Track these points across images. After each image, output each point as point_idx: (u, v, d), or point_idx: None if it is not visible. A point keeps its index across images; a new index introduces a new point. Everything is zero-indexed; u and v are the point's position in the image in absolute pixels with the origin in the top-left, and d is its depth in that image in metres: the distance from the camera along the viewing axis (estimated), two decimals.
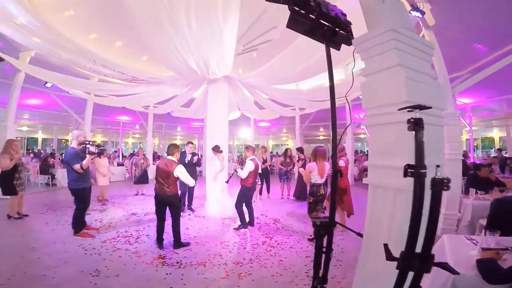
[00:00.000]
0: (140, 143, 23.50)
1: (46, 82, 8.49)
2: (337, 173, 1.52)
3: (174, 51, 4.67)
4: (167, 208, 4.14)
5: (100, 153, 4.55)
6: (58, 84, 8.07)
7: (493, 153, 13.68)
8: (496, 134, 15.15)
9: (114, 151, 17.72)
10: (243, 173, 5.01)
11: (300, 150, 8.07)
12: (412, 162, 1.21)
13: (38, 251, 3.81)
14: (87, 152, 4.30)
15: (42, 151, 16.60)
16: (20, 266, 3.29)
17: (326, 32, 1.66)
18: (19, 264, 3.36)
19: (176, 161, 4.17)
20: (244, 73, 7.41)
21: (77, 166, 4.26)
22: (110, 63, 5.18)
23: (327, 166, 4.50)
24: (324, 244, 1.59)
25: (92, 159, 4.44)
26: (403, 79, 1.61)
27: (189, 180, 4.19)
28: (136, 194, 8.52)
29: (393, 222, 1.58)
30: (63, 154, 5.10)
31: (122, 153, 17.92)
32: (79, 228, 4.49)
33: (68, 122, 14.32)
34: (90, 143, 4.43)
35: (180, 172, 4.06)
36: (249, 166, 5.04)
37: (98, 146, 4.49)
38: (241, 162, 5.38)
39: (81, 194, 4.50)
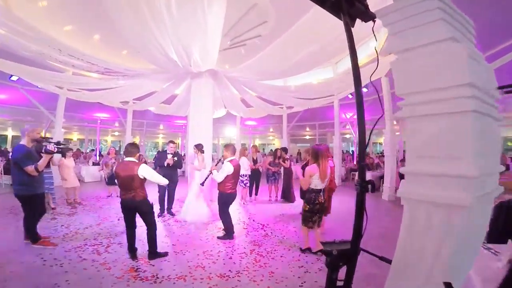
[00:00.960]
0: (119, 141, 22.47)
1: (12, 75, 7.68)
2: (367, 184, 1.13)
3: (151, 38, 4.16)
4: (136, 214, 3.64)
5: (60, 152, 3.91)
6: (26, 78, 7.30)
7: None
8: None
9: (91, 150, 16.75)
10: (218, 176, 4.37)
11: (284, 150, 7.78)
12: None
13: None
14: (43, 151, 3.62)
15: (10, 150, 15.39)
16: None
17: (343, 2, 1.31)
18: None
19: (137, 161, 3.63)
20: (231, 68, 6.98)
21: (30, 168, 3.57)
22: (78, 53, 4.58)
23: (330, 167, 3.91)
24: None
25: (50, 159, 3.83)
26: (464, 54, 1.18)
27: (159, 180, 3.68)
28: (109, 196, 7.88)
29: (442, 248, 1.20)
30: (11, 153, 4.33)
31: (100, 152, 16.93)
32: (37, 236, 3.88)
33: (40, 118, 13.29)
34: (48, 140, 3.76)
35: (146, 172, 3.50)
36: (226, 168, 4.35)
37: (58, 144, 3.78)
38: (218, 161, 4.73)
39: (32, 202, 3.78)
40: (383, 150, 19.33)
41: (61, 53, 4.49)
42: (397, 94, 1.45)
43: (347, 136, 18.81)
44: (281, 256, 3.85)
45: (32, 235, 3.86)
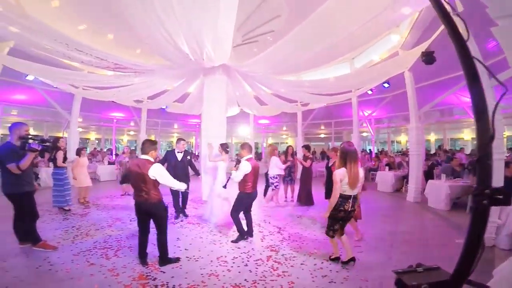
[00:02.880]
0: (135, 140, 22.73)
1: (26, 75, 7.74)
2: (496, 194, 0.80)
3: (160, 28, 3.93)
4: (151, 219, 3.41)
5: (45, 150, 3.72)
6: (39, 76, 7.34)
7: None
8: None
9: (109, 149, 16.96)
10: (236, 175, 4.20)
11: (306, 147, 7.26)
12: None
13: None
14: (26, 148, 3.44)
15: None
16: None
17: None
18: None
19: (152, 160, 3.38)
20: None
21: (12, 166, 3.41)
22: (85, 47, 4.42)
23: (361, 172, 3.40)
24: None
25: (34, 157, 3.65)
26: None
27: (171, 183, 3.39)
28: (123, 195, 7.88)
29: None
30: None
31: (116, 151, 17.14)
32: (35, 238, 3.72)
33: (58, 118, 13.55)
34: (33, 137, 3.56)
35: (158, 173, 3.23)
36: (244, 167, 4.18)
37: (42, 141, 3.60)
38: (238, 162, 4.54)
39: (21, 201, 3.62)
40: (402, 149, 18.62)
41: (69, 48, 4.35)
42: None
43: (364, 134, 18.14)
44: (302, 264, 3.53)
45: (32, 237, 3.72)
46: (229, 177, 4.82)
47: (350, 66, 10.33)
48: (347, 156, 3.30)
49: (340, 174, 3.29)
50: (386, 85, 8.80)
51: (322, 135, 21.05)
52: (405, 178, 9.18)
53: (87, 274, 3.04)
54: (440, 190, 6.63)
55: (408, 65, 6.65)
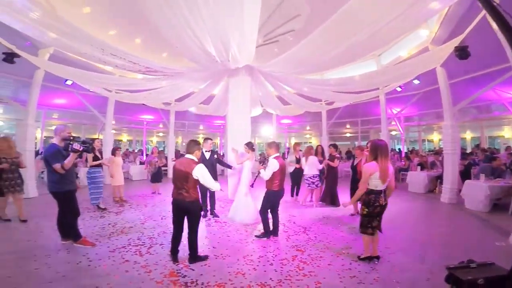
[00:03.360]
0: (163, 141, 23.64)
1: (66, 80, 8.33)
2: None
3: (188, 32, 4.10)
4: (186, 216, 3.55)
5: (86, 151, 3.96)
6: (76, 81, 7.88)
7: None
8: None
9: (139, 150, 17.84)
10: (265, 173, 4.34)
11: (334, 146, 7.10)
12: None
13: (38, 260, 3.39)
14: (69, 149, 3.69)
15: None
16: (13, 279, 2.87)
17: None
18: (12, 276, 2.93)
19: (196, 160, 3.54)
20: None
21: (57, 166, 3.65)
22: (119, 51, 4.71)
23: (391, 167, 3.43)
24: None
25: (76, 158, 3.88)
26: None
27: (211, 184, 3.53)
28: (153, 193, 8.28)
29: None
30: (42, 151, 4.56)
31: (146, 152, 17.97)
32: (76, 235, 3.98)
33: (94, 121, 14.45)
34: (75, 139, 3.81)
35: (200, 173, 3.38)
36: (272, 165, 4.32)
37: (83, 143, 3.84)
38: (263, 161, 4.67)
39: (64, 198, 3.87)
40: (434, 148, 17.60)
41: (104, 53, 4.66)
42: None
43: (393, 133, 17.40)
44: (329, 264, 3.50)
45: (74, 234, 3.98)
46: (256, 176, 4.93)
47: (377, 63, 9.99)
48: (378, 150, 3.33)
49: (371, 167, 3.31)
50: (416, 81, 8.41)
51: (348, 134, 20.53)
52: (439, 179, 8.71)
53: (123, 270, 3.21)
54: (478, 190, 6.22)
55: (440, 60, 6.31)
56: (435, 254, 3.82)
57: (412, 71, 6.95)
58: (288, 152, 12.62)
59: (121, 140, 21.82)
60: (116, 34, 7.89)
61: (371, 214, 3.39)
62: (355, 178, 5.47)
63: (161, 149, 19.98)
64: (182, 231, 3.59)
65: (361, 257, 3.60)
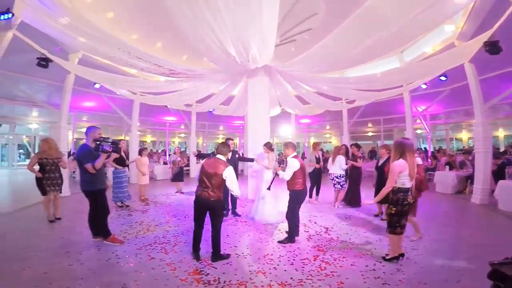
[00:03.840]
0: (185, 142, 24.27)
1: (95, 83, 8.74)
2: None
3: (211, 34, 4.22)
4: (207, 214, 3.63)
5: (115, 151, 4.12)
6: (104, 84, 8.30)
7: None
8: None
9: (162, 150, 18.47)
10: (286, 174, 4.26)
11: (357, 146, 6.94)
12: None
13: (71, 257, 3.60)
14: (100, 150, 3.85)
15: None
16: (48, 275, 3.06)
17: None
18: (47, 272, 3.13)
19: (225, 162, 3.64)
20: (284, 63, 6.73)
21: (89, 166, 3.83)
22: (145, 55, 4.93)
23: (419, 160, 3.40)
24: None
25: (106, 158, 4.05)
26: None
27: (235, 188, 3.60)
28: (177, 192, 8.56)
29: None
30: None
31: (169, 152, 18.56)
32: (105, 232, 4.15)
33: (120, 123, 15.13)
34: (105, 140, 3.96)
35: (230, 176, 3.50)
36: (293, 165, 4.25)
37: (113, 143, 4.01)
38: (281, 162, 4.64)
39: (95, 197, 4.06)
40: (463, 147, 16.69)
41: (130, 56, 4.90)
42: None
43: (418, 131, 16.71)
44: (352, 265, 3.45)
45: (103, 231, 4.16)
46: (273, 178, 4.93)
47: (399, 60, 9.65)
48: (405, 147, 3.30)
49: (399, 165, 3.26)
50: (443, 78, 8.04)
51: (370, 134, 19.99)
52: (469, 179, 8.28)
53: (149, 267, 3.33)
54: None
55: (468, 56, 6.00)
56: (466, 255, 3.65)
57: (438, 68, 6.68)
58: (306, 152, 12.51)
59: (145, 141, 22.65)
60: (138, 39, 8.23)
61: (401, 213, 3.33)
62: (382, 179, 5.29)
63: (182, 149, 20.57)
64: (202, 228, 3.68)
65: (387, 257, 3.52)
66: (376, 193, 5.07)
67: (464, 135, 17.60)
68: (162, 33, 7.51)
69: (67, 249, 3.86)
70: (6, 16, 4.51)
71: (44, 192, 5.19)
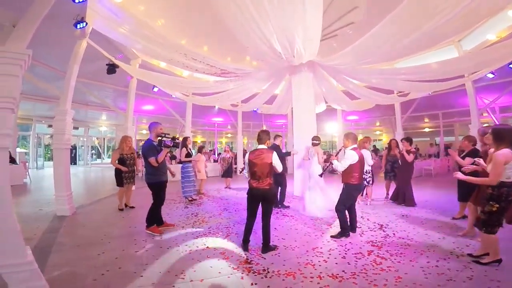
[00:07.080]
0: (231, 142, 25.21)
1: (154, 87, 9.46)
2: None
3: (257, 31, 4.44)
4: (260, 205, 3.74)
5: (175, 146, 4.37)
6: (161, 87, 9.12)
7: None
8: None
9: (210, 150, 19.52)
10: (341, 165, 4.07)
11: (408, 140, 6.47)
12: None
13: (137, 244, 3.91)
14: (162, 145, 4.15)
15: None
16: (119, 260, 3.38)
17: None
18: (118, 258, 3.45)
19: (269, 149, 3.78)
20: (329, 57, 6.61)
21: (152, 159, 4.13)
22: (199, 55, 5.40)
23: None
24: None
25: (167, 152, 4.33)
26: None
27: (279, 166, 3.72)
28: (226, 187, 9.07)
29: None
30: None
31: (217, 151, 19.58)
32: (151, 222, 4.42)
33: (174, 124, 16.37)
34: (166, 135, 4.25)
35: (275, 159, 3.63)
36: (351, 157, 4.04)
37: (173, 139, 4.28)
38: (328, 159, 4.58)
39: (156, 188, 4.36)
40: None
41: (186, 58, 5.37)
42: None
43: (485, 125, 14.81)
44: (411, 261, 3.29)
45: (152, 220, 4.43)
46: (327, 167, 4.88)
47: (458, 49, 8.69)
48: (508, 135, 2.91)
49: (506, 155, 2.84)
50: None
51: (427, 129, 18.41)
52: None
53: (204, 256, 3.54)
54: None
55: None
56: None
57: (506, 56, 5.97)
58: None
59: (196, 142, 24.11)
60: (187, 43, 8.90)
61: (503, 211, 2.97)
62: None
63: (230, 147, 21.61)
64: (255, 219, 3.79)
65: (483, 261, 3.14)
66: (461, 191, 4.63)
67: None
68: (207, 38, 7.98)
69: (134, 237, 4.23)
70: (81, 25, 4.86)
71: (121, 183, 5.89)
